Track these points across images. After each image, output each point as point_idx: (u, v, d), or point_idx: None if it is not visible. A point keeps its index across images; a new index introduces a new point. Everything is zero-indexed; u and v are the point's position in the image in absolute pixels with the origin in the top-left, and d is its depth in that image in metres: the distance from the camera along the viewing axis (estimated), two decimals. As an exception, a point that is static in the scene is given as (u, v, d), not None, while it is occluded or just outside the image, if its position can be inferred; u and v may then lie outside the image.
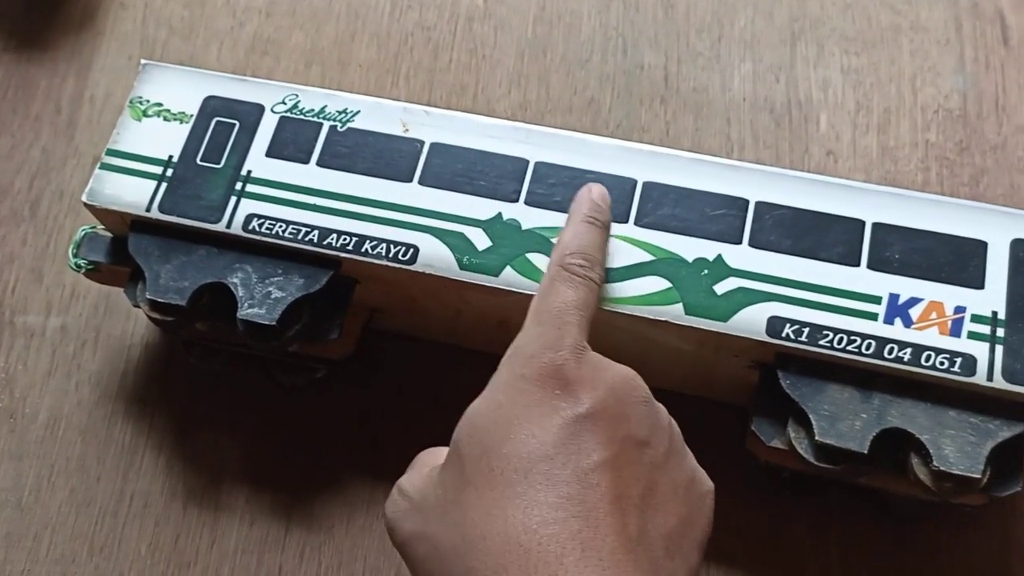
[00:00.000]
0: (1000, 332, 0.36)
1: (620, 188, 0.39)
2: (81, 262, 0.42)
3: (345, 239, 0.39)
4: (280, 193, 0.40)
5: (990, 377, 0.35)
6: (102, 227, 0.43)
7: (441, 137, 0.41)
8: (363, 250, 0.39)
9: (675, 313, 0.37)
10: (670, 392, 0.35)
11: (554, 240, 0.38)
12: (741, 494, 0.38)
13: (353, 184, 0.40)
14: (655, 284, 0.37)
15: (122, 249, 0.41)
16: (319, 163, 0.40)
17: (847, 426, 0.35)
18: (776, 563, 0.41)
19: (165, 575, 0.42)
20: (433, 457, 0.33)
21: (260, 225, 0.39)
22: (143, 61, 0.43)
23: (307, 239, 0.39)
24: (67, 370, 0.46)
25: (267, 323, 0.38)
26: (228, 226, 0.39)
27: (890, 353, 0.36)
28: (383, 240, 0.39)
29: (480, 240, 0.38)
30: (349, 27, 0.54)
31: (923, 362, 0.35)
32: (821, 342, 0.36)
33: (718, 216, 0.38)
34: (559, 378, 0.30)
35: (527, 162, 0.40)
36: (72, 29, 0.54)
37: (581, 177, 0.39)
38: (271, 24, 0.54)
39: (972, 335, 0.36)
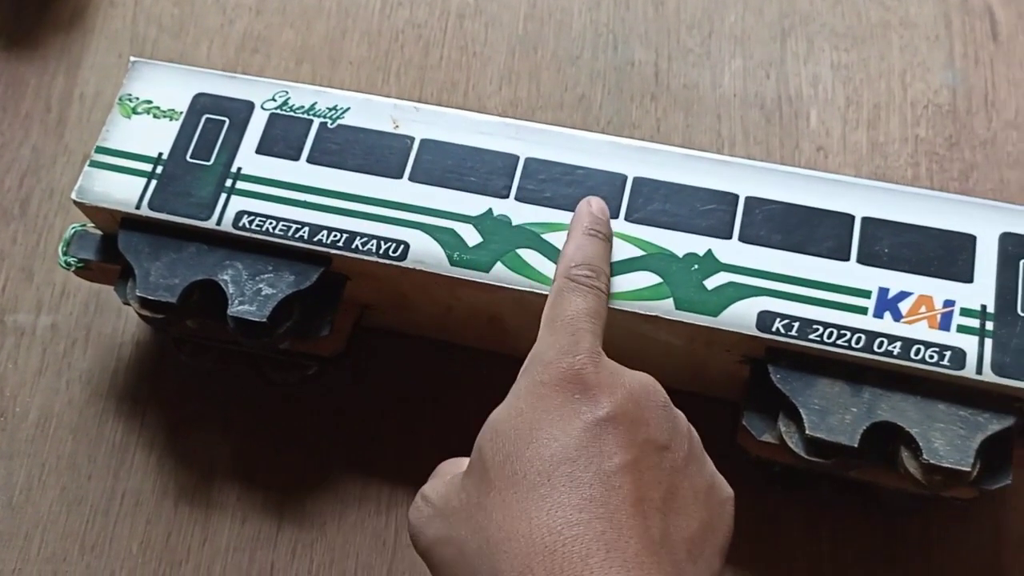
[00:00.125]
0: (989, 325, 0.36)
1: (610, 184, 0.39)
2: (71, 260, 0.42)
3: (335, 236, 0.39)
4: (270, 190, 0.40)
5: (979, 370, 0.35)
6: (92, 225, 0.42)
7: (431, 133, 0.41)
8: (353, 246, 0.39)
9: (666, 308, 0.37)
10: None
11: (545, 236, 0.38)
12: (733, 488, 0.38)
13: (343, 181, 0.40)
14: (645, 279, 0.37)
15: (112, 247, 0.41)
16: (309, 160, 0.40)
17: (837, 420, 0.35)
18: (767, 557, 0.41)
19: (157, 573, 0.42)
20: (455, 466, 0.34)
21: (250, 222, 0.39)
22: (132, 58, 0.43)
23: (297, 236, 0.39)
24: (58, 368, 0.46)
25: (258, 320, 0.38)
26: (218, 223, 0.39)
27: (880, 347, 0.36)
28: (373, 236, 0.39)
29: (470, 236, 0.38)
30: (340, 24, 0.54)
31: (913, 356, 0.36)
32: (811, 336, 0.36)
33: (708, 211, 0.38)
34: (578, 382, 0.31)
35: (517, 158, 0.40)
36: (62, 27, 0.54)
37: (571, 173, 0.39)
38: (261, 21, 0.54)
39: (961, 328, 0.36)
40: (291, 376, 0.44)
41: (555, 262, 0.38)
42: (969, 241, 0.37)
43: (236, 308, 0.38)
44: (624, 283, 0.37)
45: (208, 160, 0.41)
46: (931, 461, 0.34)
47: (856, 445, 0.35)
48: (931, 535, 0.41)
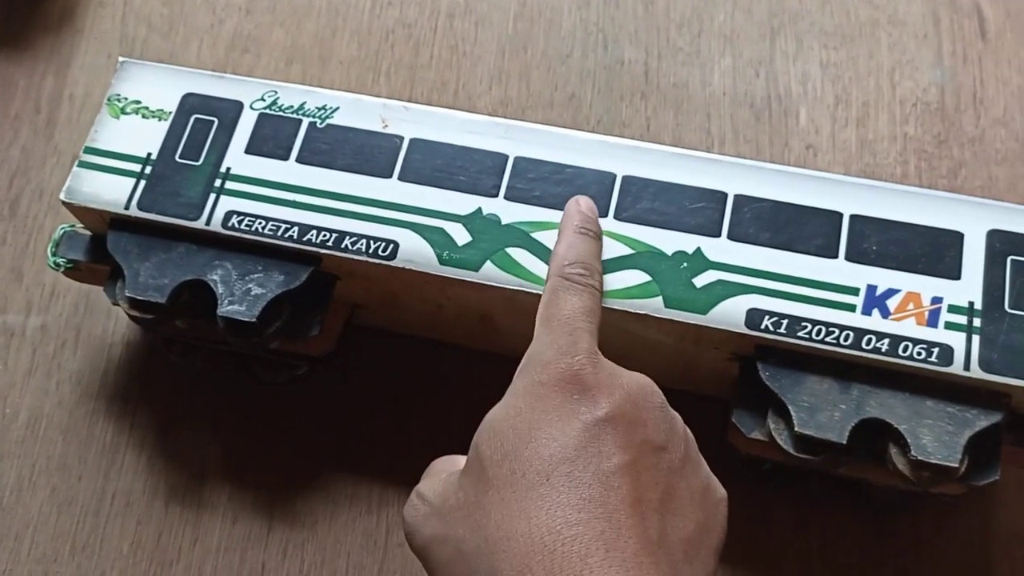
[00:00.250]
0: (977, 322, 0.36)
1: (599, 182, 0.39)
2: (60, 261, 0.42)
3: (325, 235, 0.39)
4: (259, 190, 0.40)
5: (967, 367, 0.35)
6: (81, 225, 0.42)
7: (420, 133, 0.41)
8: (343, 246, 0.39)
9: (655, 306, 0.37)
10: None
11: (534, 235, 0.38)
12: (722, 486, 0.38)
13: (333, 180, 0.40)
14: (635, 277, 0.37)
15: (101, 247, 0.40)
16: (298, 159, 0.40)
17: (826, 417, 0.35)
18: (757, 554, 0.41)
19: (147, 574, 0.42)
20: (449, 464, 0.34)
21: (240, 222, 0.39)
22: (121, 59, 0.43)
23: (287, 235, 0.39)
24: (47, 369, 0.46)
25: (247, 320, 0.38)
26: (207, 223, 0.39)
27: (868, 344, 0.36)
28: (363, 236, 0.39)
29: (460, 235, 0.39)
30: (330, 24, 0.54)
31: (901, 352, 0.36)
32: (800, 334, 0.36)
33: (697, 209, 0.38)
34: (577, 383, 0.31)
35: (506, 157, 0.40)
36: (51, 27, 0.54)
37: (560, 172, 0.39)
38: (251, 21, 0.54)
39: (949, 325, 0.36)
40: (281, 376, 0.44)
41: (545, 261, 0.38)
42: (957, 238, 0.37)
43: (225, 308, 0.38)
44: (613, 281, 0.37)
45: (197, 160, 0.41)
46: (919, 457, 0.34)
47: (845, 442, 0.35)
48: (920, 531, 0.42)
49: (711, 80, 0.51)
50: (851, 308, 0.37)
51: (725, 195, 0.39)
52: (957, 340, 0.36)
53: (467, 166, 0.40)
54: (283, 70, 0.52)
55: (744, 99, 0.51)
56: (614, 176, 0.39)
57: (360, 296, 0.42)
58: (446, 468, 0.33)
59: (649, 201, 0.39)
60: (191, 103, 0.42)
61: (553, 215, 0.39)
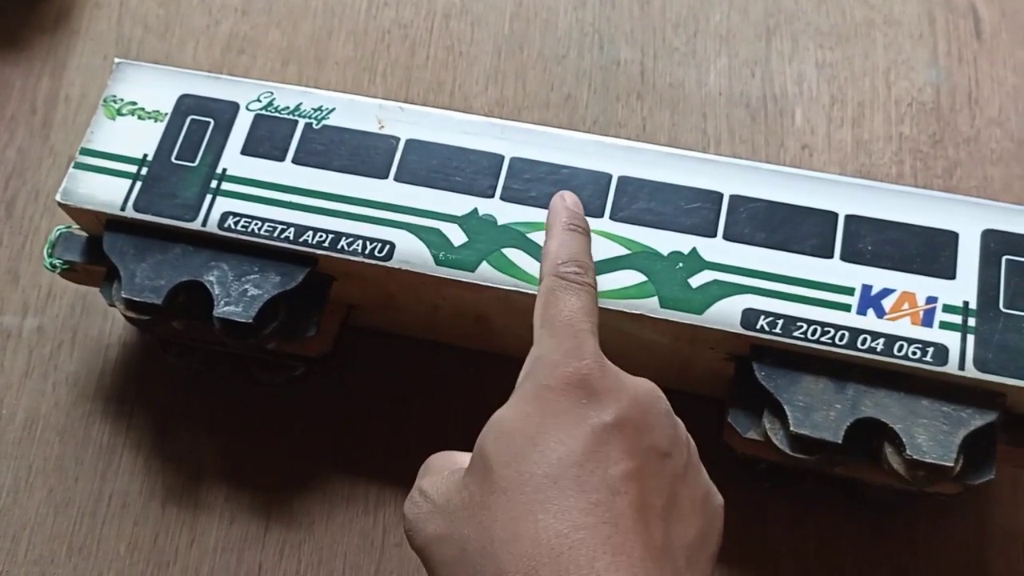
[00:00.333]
0: (971, 322, 0.36)
1: (595, 183, 0.39)
2: (56, 262, 0.42)
3: (321, 236, 0.39)
4: (256, 191, 0.40)
5: (962, 366, 0.35)
6: (77, 227, 0.42)
7: (416, 133, 0.41)
8: (339, 247, 0.39)
9: (650, 306, 0.37)
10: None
11: (530, 236, 0.38)
12: (718, 486, 0.38)
13: (329, 181, 0.40)
14: (630, 278, 0.37)
15: (97, 248, 0.40)
16: (294, 160, 0.40)
17: (821, 416, 0.35)
18: (753, 553, 0.41)
19: (144, 575, 0.42)
20: (448, 460, 0.33)
21: (236, 223, 0.39)
22: (117, 60, 0.43)
23: (283, 236, 0.39)
24: (44, 371, 0.46)
25: (244, 321, 0.38)
26: (204, 224, 0.39)
27: (863, 344, 0.36)
28: (359, 237, 0.39)
29: (456, 236, 0.39)
30: (326, 25, 0.54)
31: (896, 352, 0.36)
32: (795, 333, 0.36)
33: (693, 210, 0.39)
34: (584, 387, 0.31)
35: (502, 158, 0.40)
36: (47, 29, 0.54)
37: (556, 172, 0.39)
38: (247, 22, 0.54)
39: (944, 325, 0.36)
40: (278, 377, 0.44)
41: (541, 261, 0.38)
42: (951, 238, 0.38)
43: (222, 309, 0.38)
44: (609, 282, 0.37)
45: (193, 161, 0.41)
46: (914, 457, 0.34)
47: (840, 441, 0.35)
48: (916, 530, 0.42)
49: (707, 80, 0.51)
50: (846, 308, 0.37)
51: (721, 195, 0.39)
52: (952, 340, 0.36)
53: (463, 167, 0.40)
54: (279, 71, 0.52)
55: (740, 99, 0.51)
56: (610, 176, 0.39)
57: (356, 297, 0.42)
58: (446, 465, 0.33)
59: (645, 201, 0.39)
60: (187, 104, 0.42)
61: (549, 216, 0.39)
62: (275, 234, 0.39)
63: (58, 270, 0.42)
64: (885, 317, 0.36)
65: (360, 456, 0.44)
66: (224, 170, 0.40)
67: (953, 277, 0.37)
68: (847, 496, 0.42)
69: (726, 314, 0.37)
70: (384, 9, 0.54)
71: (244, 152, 0.41)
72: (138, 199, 0.40)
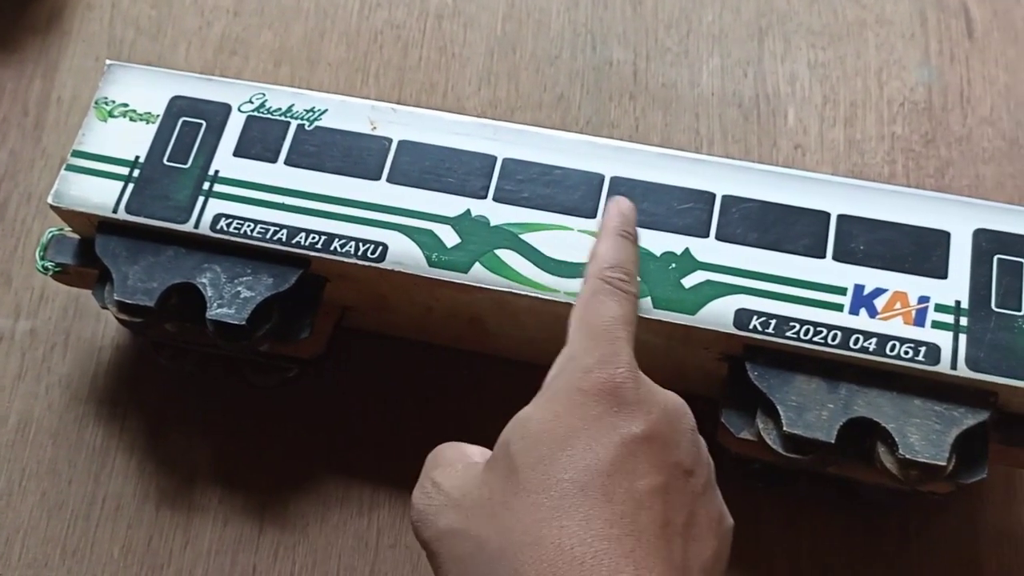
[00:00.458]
0: (963, 321, 0.36)
1: (588, 183, 0.39)
2: (48, 264, 0.42)
3: (314, 238, 0.39)
4: (248, 192, 0.40)
5: (954, 365, 0.35)
6: (69, 229, 0.42)
7: (409, 135, 0.41)
8: (332, 248, 0.39)
9: (644, 307, 0.37)
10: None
11: (523, 236, 0.38)
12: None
13: (321, 183, 0.40)
14: (623, 278, 0.37)
15: (89, 251, 0.40)
16: (287, 162, 0.40)
17: (814, 416, 0.35)
18: (747, 553, 0.41)
19: (138, 577, 0.42)
20: (459, 452, 0.33)
21: (228, 225, 0.39)
22: (108, 61, 0.43)
23: (276, 238, 0.39)
24: (37, 373, 0.46)
25: (236, 323, 0.38)
26: (196, 226, 0.39)
27: (856, 343, 0.36)
28: (352, 238, 0.39)
29: (449, 237, 0.39)
30: (318, 26, 0.54)
31: (888, 352, 0.36)
32: (788, 333, 0.36)
33: (685, 210, 0.39)
34: (617, 396, 0.30)
35: (495, 158, 0.40)
36: (39, 30, 0.54)
37: (549, 173, 0.39)
38: (239, 23, 0.54)
39: (936, 324, 0.36)
40: (272, 379, 0.44)
41: (533, 262, 0.38)
42: (943, 237, 0.38)
43: (215, 311, 0.38)
44: (602, 282, 0.37)
45: (185, 163, 0.40)
46: (907, 456, 0.34)
47: (833, 441, 0.35)
48: (909, 529, 0.42)
49: (699, 80, 0.51)
50: (839, 308, 0.37)
51: (713, 195, 0.39)
52: (944, 339, 0.36)
53: (455, 168, 0.40)
54: (271, 72, 0.52)
55: (732, 99, 0.51)
56: (602, 177, 0.39)
57: (350, 298, 0.42)
58: (459, 457, 0.32)
59: (637, 202, 0.39)
60: (179, 106, 0.42)
61: (542, 216, 0.39)
62: (268, 236, 0.39)
63: (50, 273, 0.42)
64: (877, 317, 0.36)
65: (354, 458, 0.44)
66: (216, 172, 0.40)
67: (945, 276, 0.37)
68: (840, 496, 0.42)
69: (719, 314, 0.37)
70: (376, 10, 0.54)
71: (236, 154, 0.41)
72: (130, 201, 0.40)
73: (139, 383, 0.46)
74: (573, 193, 0.39)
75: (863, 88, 0.51)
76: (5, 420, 0.45)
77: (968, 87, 0.51)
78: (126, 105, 0.42)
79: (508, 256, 0.38)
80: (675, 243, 0.38)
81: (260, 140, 0.41)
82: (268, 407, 0.45)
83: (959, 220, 0.38)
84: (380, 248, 0.39)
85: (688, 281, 0.37)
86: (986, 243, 0.37)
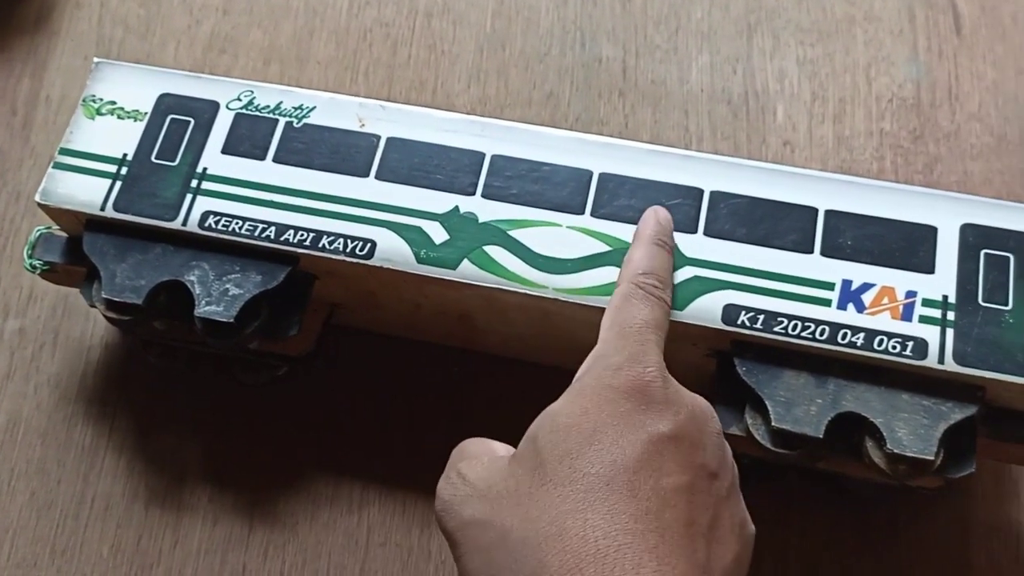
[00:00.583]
0: (950, 316, 0.36)
1: (576, 180, 0.39)
2: (36, 263, 0.42)
3: (302, 235, 0.39)
4: (236, 190, 0.40)
5: (941, 360, 0.36)
6: (58, 227, 0.42)
7: (397, 132, 0.41)
8: (320, 245, 0.39)
9: (632, 303, 0.37)
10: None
11: (511, 233, 0.38)
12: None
13: (310, 180, 0.40)
14: (612, 274, 0.37)
15: (78, 249, 0.40)
16: (275, 159, 0.40)
17: (803, 411, 0.35)
18: (738, 549, 0.42)
19: (128, 576, 0.42)
20: (485, 447, 0.33)
21: (216, 222, 0.39)
22: (96, 59, 0.43)
23: (264, 235, 0.39)
24: (26, 373, 0.46)
25: (225, 320, 0.38)
26: (184, 224, 0.39)
27: (843, 338, 0.36)
28: (340, 235, 0.39)
29: (437, 234, 0.39)
30: (307, 24, 0.54)
31: (876, 346, 0.36)
32: (776, 329, 0.36)
33: (673, 206, 0.39)
34: (646, 394, 0.31)
35: (483, 155, 0.40)
36: (27, 29, 0.54)
37: (537, 169, 0.39)
38: (228, 22, 0.54)
39: (923, 319, 0.36)
40: (261, 377, 0.44)
41: (522, 258, 0.38)
42: (930, 232, 0.38)
43: (203, 309, 0.38)
44: (590, 278, 0.37)
45: (173, 161, 0.40)
46: (895, 451, 0.34)
47: (821, 436, 0.35)
48: (898, 524, 0.42)
49: (689, 77, 0.51)
50: (827, 303, 0.37)
51: (701, 191, 0.39)
52: (931, 334, 0.36)
53: (444, 164, 0.40)
54: (261, 70, 0.52)
55: (722, 96, 0.51)
56: (591, 173, 0.39)
57: (339, 296, 0.41)
58: (485, 451, 0.33)
59: (626, 198, 0.39)
60: (167, 103, 0.42)
61: (530, 213, 0.39)
62: (256, 233, 0.39)
63: (38, 271, 0.42)
64: (865, 312, 0.37)
65: (344, 456, 0.44)
66: (204, 169, 0.40)
67: (932, 271, 0.37)
68: (829, 490, 0.42)
69: (707, 310, 0.37)
70: (366, 8, 0.54)
71: (224, 151, 0.41)
72: (118, 199, 0.40)
73: (128, 382, 0.46)
74: (562, 189, 0.39)
75: (852, 84, 0.51)
76: (-6, 419, 0.45)
77: (956, 83, 0.51)
78: (114, 103, 0.42)
79: (497, 252, 0.38)
80: (663, 239, 0.38)
81: (248, 137, 0.41)
82: (257, 405, 0.45)
83: (946, 215, 0.38)
84: (369, 245, 0.38)
85: (676, 277, 0.37)
86: (973, 238, 0.38)
